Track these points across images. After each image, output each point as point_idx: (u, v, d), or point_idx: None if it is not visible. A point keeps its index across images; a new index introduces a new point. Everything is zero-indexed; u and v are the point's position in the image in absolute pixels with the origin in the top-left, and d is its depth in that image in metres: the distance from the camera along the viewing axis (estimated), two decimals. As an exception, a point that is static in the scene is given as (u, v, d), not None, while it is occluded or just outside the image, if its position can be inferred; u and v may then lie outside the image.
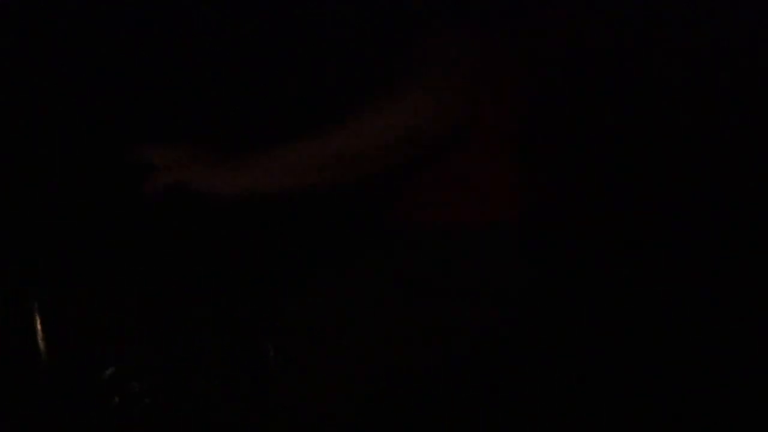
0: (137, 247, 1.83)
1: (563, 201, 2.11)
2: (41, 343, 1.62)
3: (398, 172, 1.45)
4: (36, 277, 1.69)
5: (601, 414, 2.08)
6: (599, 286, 2.13)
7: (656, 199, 2.17)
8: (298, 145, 1.41)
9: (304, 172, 1.41)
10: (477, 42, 1.46)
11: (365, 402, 1.50)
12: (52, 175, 1.92)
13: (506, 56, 1.53)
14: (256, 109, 1.97)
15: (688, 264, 2.14)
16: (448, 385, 1.58)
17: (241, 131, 1.94)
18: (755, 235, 2.13)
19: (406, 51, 1.46)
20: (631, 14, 2.06)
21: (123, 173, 1.50)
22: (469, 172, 1.52)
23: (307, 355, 1.49)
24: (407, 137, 1.39)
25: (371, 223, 1.57)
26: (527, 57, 1.58)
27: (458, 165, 1.51)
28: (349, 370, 1.48)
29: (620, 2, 2.04)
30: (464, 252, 1.49)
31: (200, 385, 1.57)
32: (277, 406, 1.51)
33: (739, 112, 2.13)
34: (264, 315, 1.57)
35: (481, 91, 1.46)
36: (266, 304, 1.58)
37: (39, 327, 1.62)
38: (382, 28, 1.55)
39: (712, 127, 2.13)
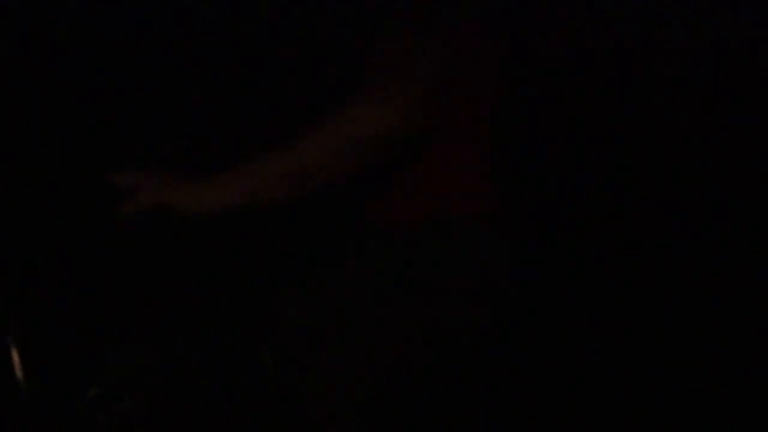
0: (121, 264, 1.85)
1: (544, 191, 2.12)
2: (19, 366, 1.61)
3: (373, 172, 1.46)
4: (11, 298, 1.70)
5: (594, 408, 2.08)
6: (584, 276, 2.14)
7: (640, 187, 2.18)
8: (267, 159, 1.43)
9: (276, 185, 1.43)
10: (442, 40, 1.46)
11: (363, 401, 1.50)
12: (30, 194, 1.93)
13: (475, 51, 1.53)
14: (223, 126, 2.00)
15: (676, 257, 2.15)
16: (445, 381, 1.59)
17: (213, 148, 1.97)
18: (753, 234, 2.13)
19: (369, 55, 1.47)
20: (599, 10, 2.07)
21: (101, 197, 1.51)
22: (446, 166, 1.52)
23: (300, 357, 1.50)
24: (376, 141, 1.41)
25: (353, 225, 1.58)
26: (497, 49, 1.58)
27: (434, 160, 1.51)
28: (343, 370, 1.48)
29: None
30: (448, 245, 1.50)
31: (195, 392, 1.57)
32: (276, 407, 1.51)
33: (716, 111, 2.14)
34: (256, 319, 1.58)
35: (451, 89, 1.47)
36: (257, 308, 1.59)
37: (16, 349, 1.61)
38: (343, 33, 1.56)
39: (685, 115, 2.14)
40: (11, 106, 1.97)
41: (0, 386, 1.61)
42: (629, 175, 2.17)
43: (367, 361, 1.48)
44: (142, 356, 1.58)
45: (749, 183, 2.13)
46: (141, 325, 1.72)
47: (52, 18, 2.00)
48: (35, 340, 1.65)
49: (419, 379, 1.55)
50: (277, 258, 1.88)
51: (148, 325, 1.70)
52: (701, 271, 2.14)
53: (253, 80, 1.94)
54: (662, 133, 2.16)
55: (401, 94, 1.41)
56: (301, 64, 1.68)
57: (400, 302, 1.48)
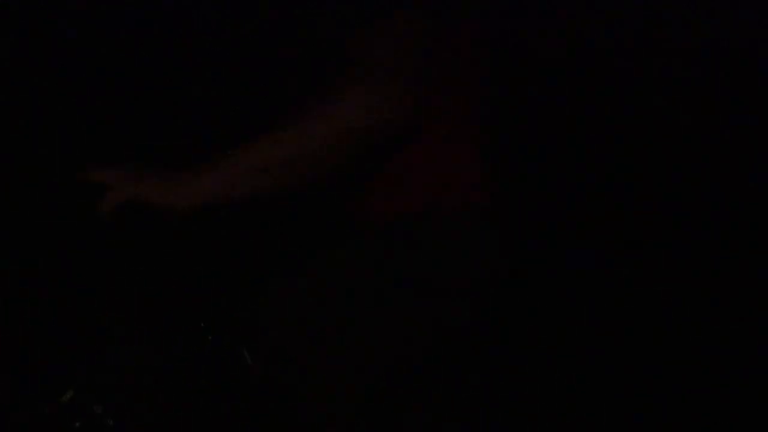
0: (98, 261, 1.84)
1: (540, 186, 2.12)
2: None
3: (359, 166, 1.44)
4: None
5: (590, 405, 2.08)
6: (580, 271, 2.14)
7: (636, 184, 2.18)
8: (246, 152, 1.41)
9: (256, 179, 1.41)
10: (427, 30, 1.45)
11: (361, 400, 1.50)
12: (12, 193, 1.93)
13: (460, 41, 1.52)
14: (202, 119, 1.99)
15: (675, 256, 2.15)
16: (441, 377, 1.58)
17: (188, 142, 1.95)
18: (753, 234, 2.13)
19: (356, 45, 1.46)
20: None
21: (75, 192, 1.50)
22: (434, 158, 1.51)
23: (298, 356, 1.49)
24: (365, 132, 1.39)
25: (339, 220, 1.57)
26: (484, 41, 1.57)
27: (421, 152, 1.50)
28: (341, 369, 1.47)
29: None
30: (440, 239, 1.49)
31: (184, 393, 1.56)
32: (271, 407, 1.51)
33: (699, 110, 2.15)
34: (236, 319, 1.57)
35: (436, 80, 1.46)
36: (244, 307, 1.58)
37: None
38: (325, 23, 1.55)
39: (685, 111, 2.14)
40: (8, 105, 1.97)
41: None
42: (626, 171, 2.17)
43: (364, 359, 1.47)
44: (123, 357, 1.57)
45: (749, 183, 2.13)
46: (122, 325, 1.70)
47: (48, 18, 2.00)
48: (7, 341, 1.64)
49: (416, 376, 1.54)
50: (261, 255, 1.87)
51: (129, 325, 1.69)
52: (701, 270, 2.14)
53: (234, 71, 1.93)
54: (661, 132, 2.16)
55: (391, 83, 1.40)
56: (285, 54, 1.67)
57: (394, 298, 1.48)
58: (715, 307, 2.12)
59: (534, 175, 2.12)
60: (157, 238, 1.76)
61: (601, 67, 2.13)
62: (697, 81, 2.12)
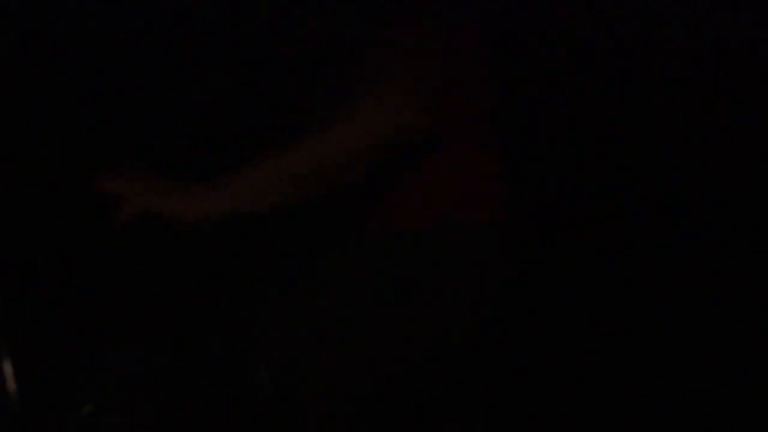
0: (109, 271, 1.83)
1: (549, 198, 2.12)
2: (12, 383, 1.59)
3: (374, 178, 1.43)
4: (1, 312, 1.68)
5: (594, 413, 2.08)
6: (589, 282, 2.14)
7: (643, 196, 2.17)
8: (264, 165, 1.40)
9: (273, 191, 1.40)
10: (444, 42, 1.45)
11: (363, 403, 1.50)
12: (23, 196, 1.92)
13: (476, 55, 1.52)
14: (221, 132, 1.98)
15: (682, 266, 2.15)
16: (444, 384, 1.58)
17: (206, 155, 1.95)
18: (753, 234, 2.13)
19: (370, 56, 1.45)
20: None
21: (91, 203, 1.49)
22: (449, 173, 1.50)
23: (301, 359, 1.49)
24: (377, 145, 1.38)
25: (354, 230, 1.56)
26: (499, 54, 1.57)
27: (438, 166, 1.49)
28: (343, 372, 1.47)
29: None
30: (451, 251, 1.49)
31: (188, 398, 1.55)
32: (275, 410, 1.51)
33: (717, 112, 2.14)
34: (251, 326, 1.57)
35: (452, 91, 1.45)
36: (253, 313, 1.58)
37: (9, 366, 1.60)
38: (343, 34, 1.54)
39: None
40: (10, 106, 1.97)
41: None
42: (626, 171, 2.17)
43: (367, 364, 1.47)
44: (132, 364, 1.57)
45: (749, 183, 2.14)
46: (130, 331, 1.70)
47: (49, 18, 2.00)
48: (29, 355, 1.64)
49: (419, 382, 1.54)
50: (276, 262, 1.87)
51: (138, 332, 1.69)
52: (701, 270, 2.14)
53: (252, 81, 1.93)
54: (661, 132, 2.16)
55: (412, 92, 1.38)
56: (304, 64, 1.67)
57: (399, 306, 1.47)
58: (715, 307, 2.12)
59: (545, 186, 2.12)
60: (167, 243, 1.76)
61: (601, 67, 2.13)
62: (697, 81, 2.12)
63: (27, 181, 1.93)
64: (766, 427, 2.04)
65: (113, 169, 1.44)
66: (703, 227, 2.14)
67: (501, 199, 1.55)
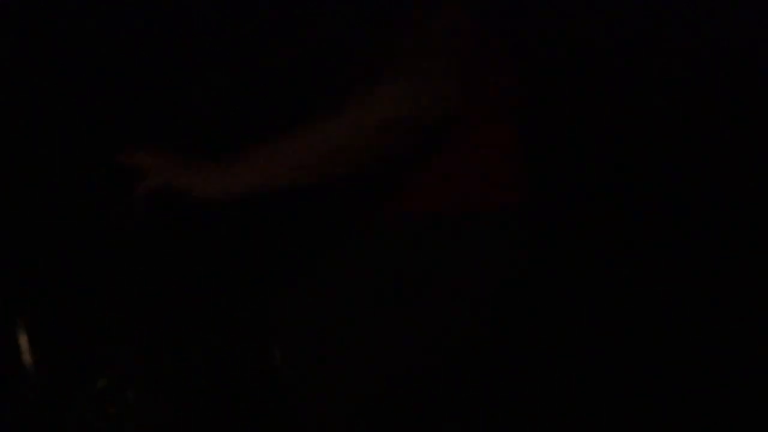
0: (131, 250, 1.82)
1: (567, 184, 2.11)
2: (28, 357, 1.60)
3: (395, 161, 1.42)
4: (21, 288, 1.69)
5: (601, 413, 2.08)
6: (603, 271, 2.13)
7: (630, 180, 2.17)
8: (287, 143, 1.39)
9: (292, 170, 1.38)
10: (470, 22, 1.44)
11: (365, 401, 1.49)
12: (40, 180, 1.92)
13: (501, 37, 1.51)
14: (242, 108, 1.97)
15: (673, 255, 2.15)
16: (459, 380, 1.58)
17: (228, 131, 1.94)
18: (753, 234, 2.13)
19: (396, 35, 1.44)
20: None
21: (110, 177, 1.49)
22: (470, 157, 1.49)
23: (303, 356, 1.49)
24: (403, 123, 1.37)
25: (370, 215, 1.55)
26: (524, 38, 1.56)
27: (458, 150, 1.48)
28: (347, 369, 1.47)
29: None
30: (468, 238, 1.48)
31: (200, 387, 1.56)
32: (279, 405, 1.50)
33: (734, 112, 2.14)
34: (265, 315, 1.56)
35: (477, 72, 1.44)
36: (266, 303, 1.57)
37: (25, 340, 1.60)
38: (368, 13, 1.53)
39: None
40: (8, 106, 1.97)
41: (8, 377, 1.60)
42: (625, 171, 2.16)
43: (387, 350, 1.46)
44: (144, 350, 1.58)
45: (749, 183, 2.14)
46: (144, 319, 1.70)
47: (52, 17, 2.00)
48: (45, 329, 1.64)
49: (426, 377, 1.54)
50: (294, 242, 1.85)
51: (148, 326, 1.69)
52: (701, 270, 2.14)
53: (273, 59, 1.91)
54: (661, 132, 2.16)
55: (435, 73, 1.37)
56: (324, 42, 1.65)
57: (418, 291, 1.46)
58: (715, 307, 2.12)
59: (564, 174, 2.11)
60: (186, 226, 1.75)
61: (601, 67, 2.13)
62: (697, 81, 2.12)
63: (24, 177, 1.94)
64: (766, 427, 2.04)
65: (137, 145, 1.44)
66: (702, 225, 2.14)
67: (521, 185, 1.54)
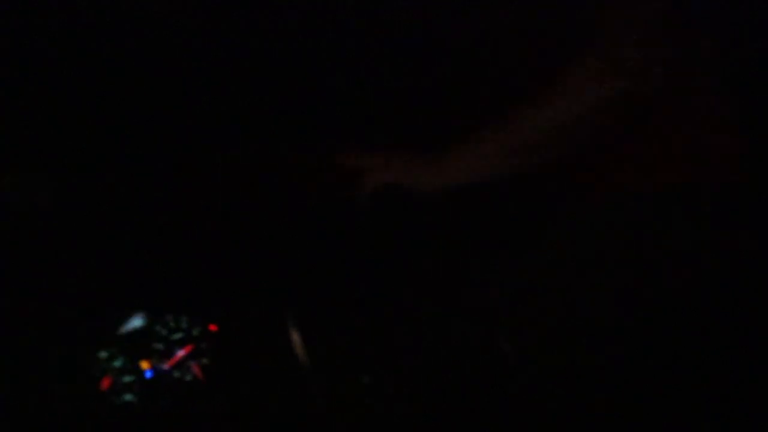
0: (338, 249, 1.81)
1: None
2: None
3: (602, 140, 1.41)
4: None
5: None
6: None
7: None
8: (493, 135, 1.39)
9: (507, 160, 1.39)
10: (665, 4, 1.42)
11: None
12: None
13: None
14: (443, 104, 1.93)
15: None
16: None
17: (432, 129, 1.91)
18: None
19: (596, 17, 1.42)
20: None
21: (328, 181, 1.50)
22: (684, 133, 1.47)
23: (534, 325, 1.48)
24: (604, 104, 1.36)
25: (581, 194, 1.53)
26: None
27: (671, 127, 1.46)
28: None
29: None
30: (680, 215, 1.46)
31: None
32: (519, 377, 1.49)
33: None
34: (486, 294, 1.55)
35: (679, 52, 1.42)
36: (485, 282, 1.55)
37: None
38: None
39: None
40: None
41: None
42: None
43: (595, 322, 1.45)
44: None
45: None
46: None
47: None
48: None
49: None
50: (506, 228, 1.82)
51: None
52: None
53: (469, 52, 1.87)
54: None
55: (634, 54, 1.36)
56: (524, 31, 1.62)
57: (624, 268, 1.44)
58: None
59: None
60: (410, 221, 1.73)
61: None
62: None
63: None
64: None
65: (351, 145, 1.45)
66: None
67: (740, 160, 1.51)
